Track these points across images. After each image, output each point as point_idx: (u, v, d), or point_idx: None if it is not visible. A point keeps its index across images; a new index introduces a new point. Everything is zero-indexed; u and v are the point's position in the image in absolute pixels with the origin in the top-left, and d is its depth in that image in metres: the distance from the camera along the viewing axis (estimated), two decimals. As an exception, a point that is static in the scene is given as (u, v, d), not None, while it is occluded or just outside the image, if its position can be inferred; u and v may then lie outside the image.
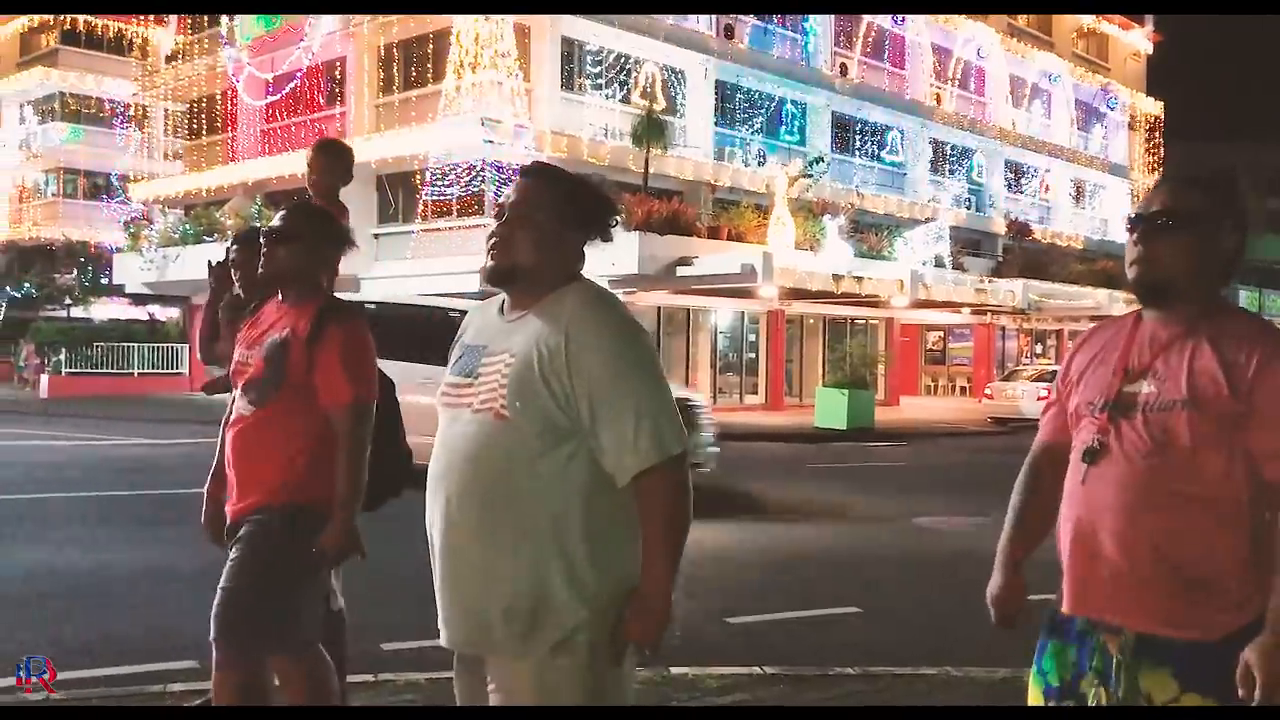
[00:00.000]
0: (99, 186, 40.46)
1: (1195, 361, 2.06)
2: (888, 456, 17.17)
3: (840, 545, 8.92)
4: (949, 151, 33.88)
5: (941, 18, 32.01)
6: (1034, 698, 2.23)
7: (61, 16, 39.32)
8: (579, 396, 2.09)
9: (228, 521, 3.18)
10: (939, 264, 26.91)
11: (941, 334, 35.00)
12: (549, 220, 2.19)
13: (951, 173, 33.93)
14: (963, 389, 34.04)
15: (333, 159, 4.49)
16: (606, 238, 2.27)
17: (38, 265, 37.86)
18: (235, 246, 3.90)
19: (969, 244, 31.54)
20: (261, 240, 3.25)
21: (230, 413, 3.27)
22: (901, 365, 30.74)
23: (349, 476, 3.04)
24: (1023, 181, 37.02)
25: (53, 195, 40.14)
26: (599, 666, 2.13)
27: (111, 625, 5.60)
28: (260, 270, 3.25)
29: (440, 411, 2.24)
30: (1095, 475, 2.13)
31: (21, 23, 40.79)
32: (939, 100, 32.82)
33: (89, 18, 39.55)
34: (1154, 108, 42.41)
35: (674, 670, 4.73)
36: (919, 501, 11.31)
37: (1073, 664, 2.16)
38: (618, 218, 2.31)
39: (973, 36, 33.51)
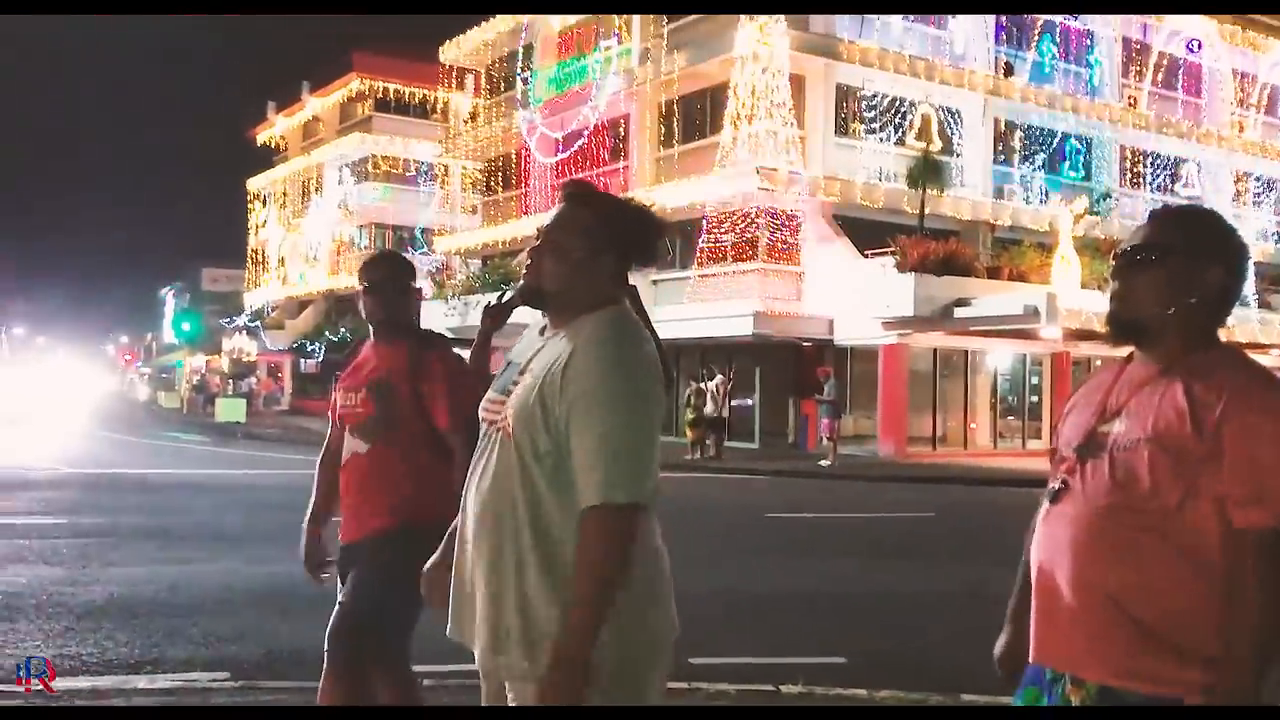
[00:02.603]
0: (405, 239, 44.27)
1: (1164, 399, 1.95)
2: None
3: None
4: (1254, 181, 31.61)
5: (1240, 41, 30.09)
6: None
7: (376, 88, 43.50)
8: (561, 419, 2.05)
9: (334, 554, 3.47)
10: (1242, 303, 25.13)
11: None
12: (578, 245, 2.16)
13: (1258, 203, 31.61)
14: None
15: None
16: (648, 262, 2.22)
17: (352, 312, 41.79)
18: (515, 293, 4.08)
19: (1278, 280, 29.27)
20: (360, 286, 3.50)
21: (325, 452, 3.55)
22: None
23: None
24: (1346, 211, 33.91)
25: (365, 248, 44.28)
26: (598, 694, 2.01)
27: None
28: (366, 313, 3.48)
29: (482, 427, 2.25)
30: (1055, 514, 2.05)
31: (341, 94, 45.39)
32: (1241, 128, 30.77)
33: (399, 86, 43.57)
34: None
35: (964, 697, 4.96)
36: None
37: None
38: (662, 241, 2.23)
39: (1281, 58, 31.27)
